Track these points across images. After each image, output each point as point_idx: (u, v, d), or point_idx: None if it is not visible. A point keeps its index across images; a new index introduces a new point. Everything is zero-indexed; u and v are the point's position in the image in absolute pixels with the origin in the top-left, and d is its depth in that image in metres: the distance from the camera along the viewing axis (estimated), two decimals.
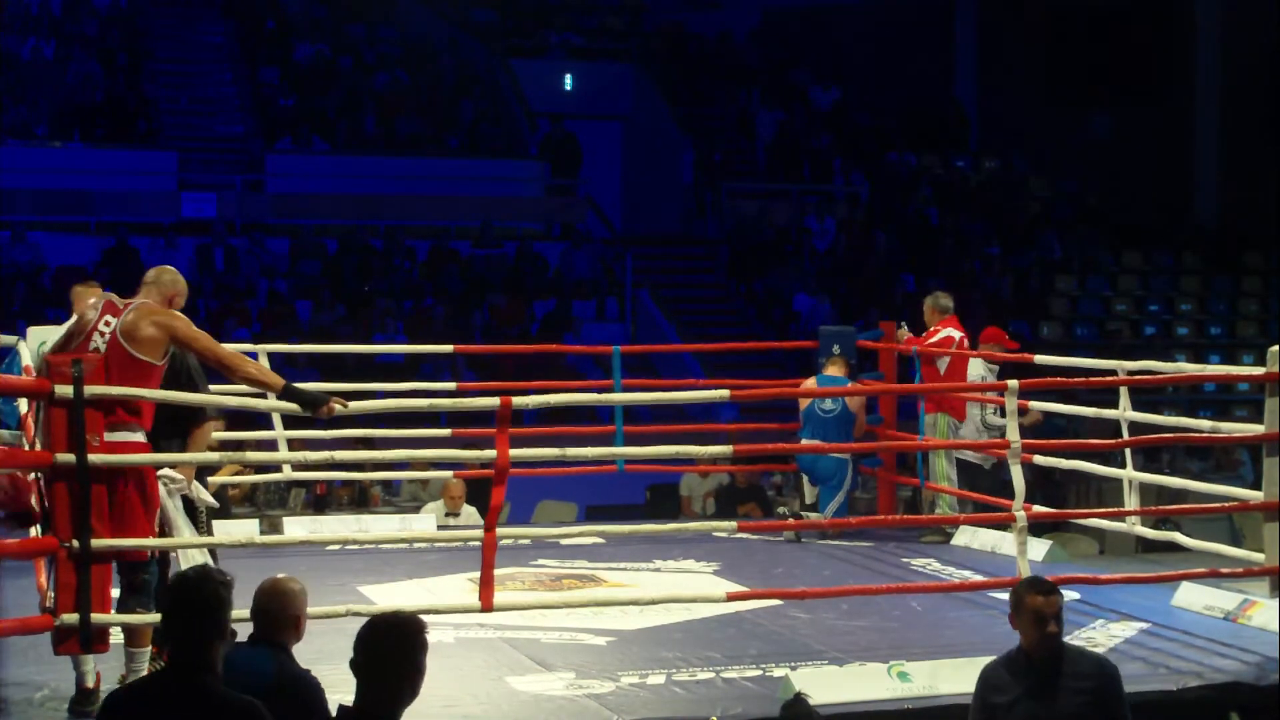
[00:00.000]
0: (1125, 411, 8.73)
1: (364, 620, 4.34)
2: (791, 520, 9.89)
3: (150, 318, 6.04)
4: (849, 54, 24.18)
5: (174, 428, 6.38)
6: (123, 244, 17.33)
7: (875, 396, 10.70)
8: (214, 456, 6.28)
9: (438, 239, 18.67)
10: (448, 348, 12.72)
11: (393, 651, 4.16)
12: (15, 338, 7.97)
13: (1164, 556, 9.25)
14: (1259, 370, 8.34)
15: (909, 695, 6.28)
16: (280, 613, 4.93)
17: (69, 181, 18.19)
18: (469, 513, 10.67)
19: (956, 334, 10.27)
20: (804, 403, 10.21)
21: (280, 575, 5.10)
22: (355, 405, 6.61)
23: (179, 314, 6.17)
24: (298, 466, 9.55)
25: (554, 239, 19.72)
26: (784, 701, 5.32)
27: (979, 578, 8.47)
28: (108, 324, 6.03)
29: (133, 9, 21.49)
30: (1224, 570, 8.00)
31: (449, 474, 10.85)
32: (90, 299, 7.16)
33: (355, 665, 4.19)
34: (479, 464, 8.70)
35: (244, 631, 4.92)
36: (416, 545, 9.43)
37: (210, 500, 6.43)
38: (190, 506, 6.38)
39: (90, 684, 6.02)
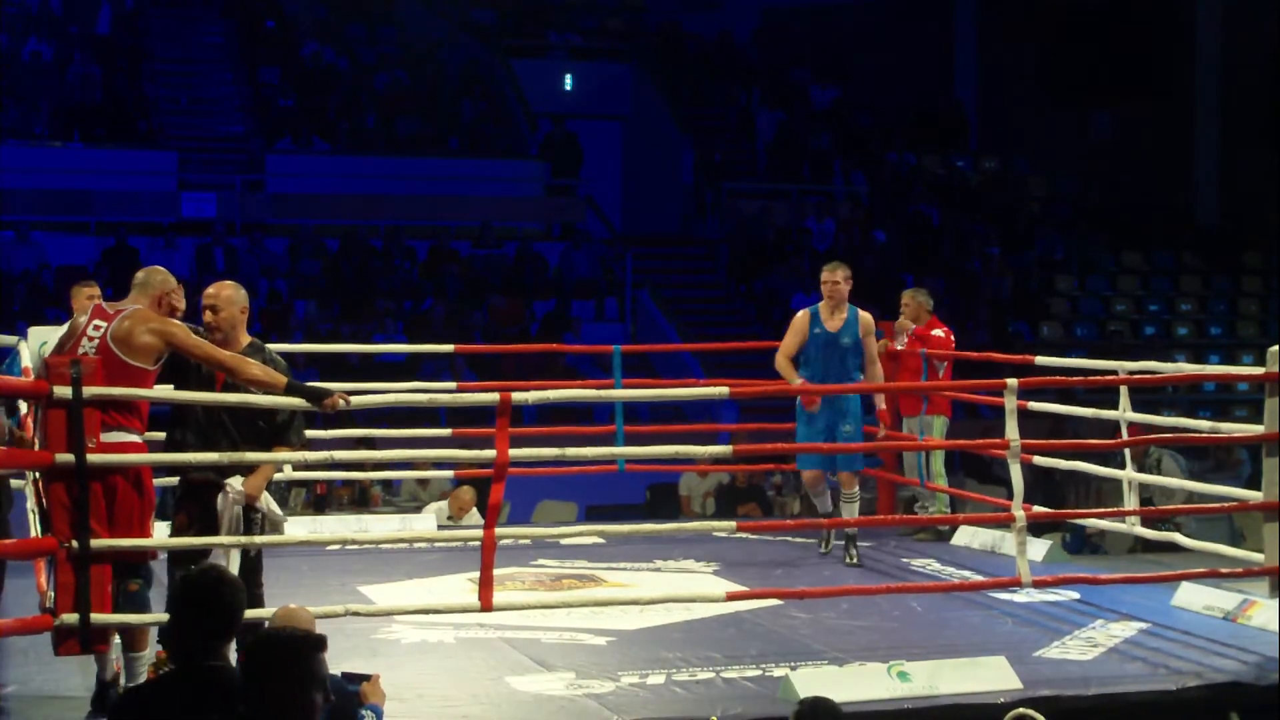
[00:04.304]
0: (1125, 412, 8.74)
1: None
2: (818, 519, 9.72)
3: (146, 325, 6.01)
4: (849, 54, 24.18)
5: (256, 441, 6.29)
6: (122, 244, 17.32)
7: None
8: (211, 457, 6.24)
9: (438, 239, 18.67)
10: (448, 348, 12.73)
11: (271, 669, 3.93)
12: (16, 338, 7.97)
13: (1164, 556, 9.25)
14: (1259, 370, 8.34)
15: (909, 695, 6.28)
16: None
17: (69, 181, 18.18)
18: (472, 514, 10.68)
19: (941, 333, 10.35)
20: (798, 336, 9.26)
21: (292, 605, 5.43)
22: (358, 400, 6.61)
23: (176, 321, 6.13)
24: (298, 466, 9.54)
25: (554, 239, 19.71)
26: (800, 699, 5.30)
27: (979, 578, 8.48)
28: (97, 328, 6.00)
29: (135, 9, 21.50)
30: (1224, 570, 8.00)
31: (449, 474, 10.85)
32: (86, 298, 7.16)
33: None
34: (479, 463, 8.69)
35: None
36: (416, 545, 9.43)
37: (279, 513, 6.40)
38: (249, 519, 6.33)
39: (109, 677, 6.02)
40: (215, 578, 4.20)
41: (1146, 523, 8.85)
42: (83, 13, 21.05)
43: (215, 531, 6.22)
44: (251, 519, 6.28)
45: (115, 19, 21.12)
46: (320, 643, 4.01)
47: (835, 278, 9.32)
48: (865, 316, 9.32)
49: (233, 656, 4.24)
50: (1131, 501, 8.71)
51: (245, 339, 6.37)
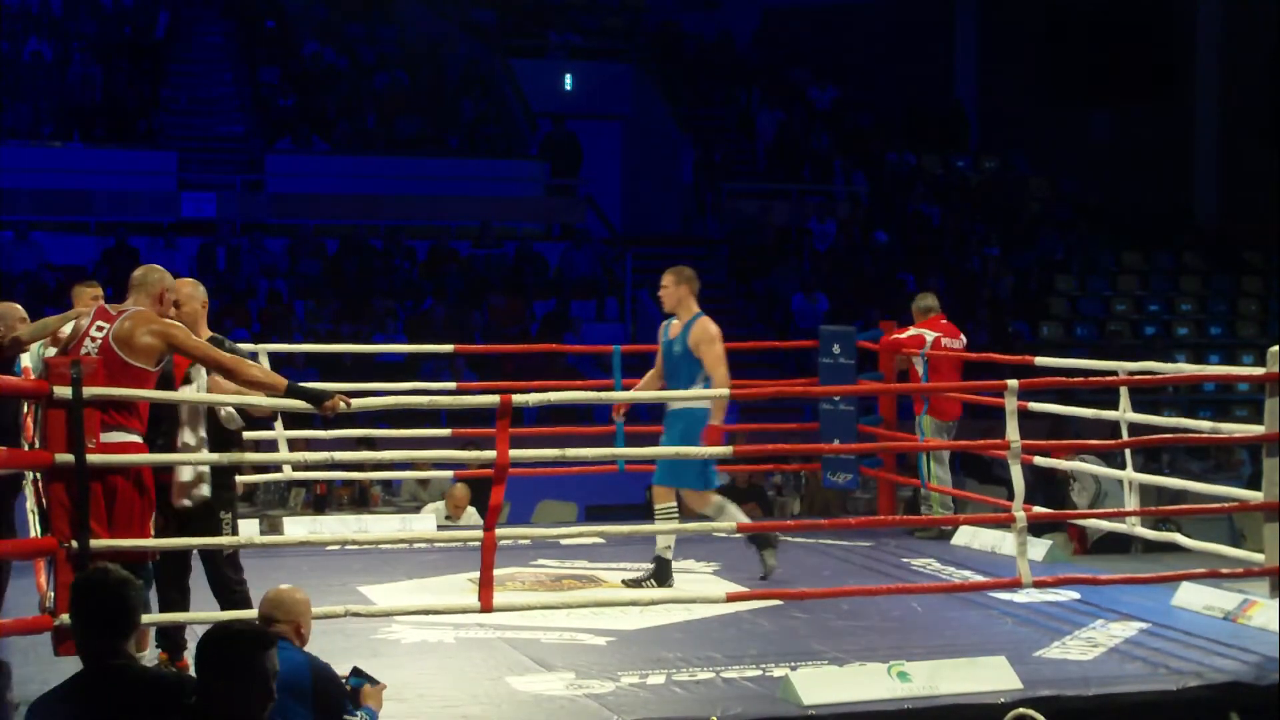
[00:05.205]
0: (1125, 412, 8.74)
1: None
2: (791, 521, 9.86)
3: (147, 326, 6.02)
4: (849, 54, 24.18)
5: (217, 440, 6.38)
6: (123, 244, 17.32)
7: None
8: (212, 457, 6.24)
9: (438, 239, 18.67)
10: (448, 348, 12.72)
11: (220, 666, 3.93)
12: None
13: (1164, 556, 9.25)
14: (1259, 370, 8.34)
15: (909, 695, 6.28)
16: (283, 620, 5.14)
17: (69, 181, 18.19)
18: (470, 513, 10.69)
19: (930, 334, 10.30)
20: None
21: (284, 585, 5.32)
22: (358, 402, 6.62)
23: (177, 323, 6.15)
24: (298, 466, 9.55)
25: (554, 239, 19.71)
26: None
27: (979, 578, 8.48)
28: (100, 329, 6.02)
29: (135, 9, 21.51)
30: (1224, 570, 8.00)
31: (449, 474, 10.84)
32: (89, 298, 7.15)
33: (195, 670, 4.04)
34: (479, 464, 8.69)
35: None
36: (416, 545, 9.43)
37: (237, 418, 6.43)
38: (217, 519, 6.36)
39: None
40: (103, 576, 4.24)
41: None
42: (138, 20, 21.06)
43: (190, 531, 6.29)
44: (221, 519, 6.31)
45: (171, 26, 21.11)
46: (269, 640, 4.01)
47: (661, 283, 8.74)
48: (700, 324, 8.59)
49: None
50: (1132, 501, 8.71)
51: (205, 333, 6.45)
